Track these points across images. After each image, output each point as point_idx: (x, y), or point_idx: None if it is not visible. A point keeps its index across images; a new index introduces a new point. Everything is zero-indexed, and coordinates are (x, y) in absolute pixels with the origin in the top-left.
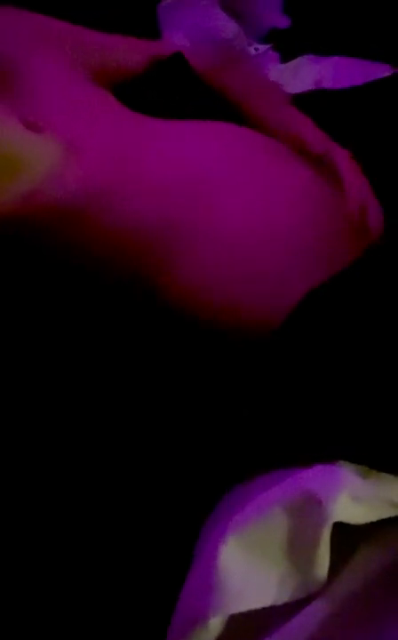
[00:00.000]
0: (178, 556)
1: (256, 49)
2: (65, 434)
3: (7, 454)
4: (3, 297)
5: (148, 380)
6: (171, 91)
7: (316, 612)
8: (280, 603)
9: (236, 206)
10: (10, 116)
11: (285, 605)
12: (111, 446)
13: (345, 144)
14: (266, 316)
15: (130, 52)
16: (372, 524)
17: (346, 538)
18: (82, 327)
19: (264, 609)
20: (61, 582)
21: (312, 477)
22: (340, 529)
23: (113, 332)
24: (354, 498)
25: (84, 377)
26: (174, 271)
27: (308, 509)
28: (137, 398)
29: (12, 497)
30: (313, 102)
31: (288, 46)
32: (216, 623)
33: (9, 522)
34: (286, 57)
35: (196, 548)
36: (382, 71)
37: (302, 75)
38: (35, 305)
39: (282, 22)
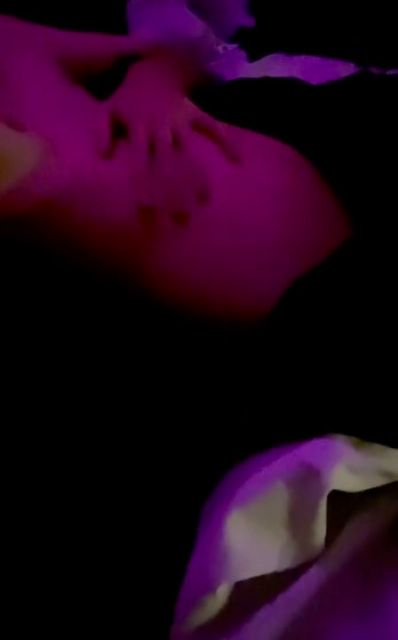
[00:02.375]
0: (179, 535)
1: (224, 48)
2: (62, 424)
3: (4, 444)
4: None
5: (143, 368)
6: None
7: (315, 577)
8: (282, 569)
9: (218, 193)
10: None
11: (286, 572)
12: (110, 432)
13: (312, 138)
14: (250, 305)
15: (98, 48)
16: (363, 492)
17: (339, 506)
18: (73, 323)
19: (266, 575)
20: (63, 563)
21: (309, 450)
22: (333, 498)
23: (105, 326)
24: (349, 468)
25: (79, 370)
26: (155, 262)
27: (307, 480)
28: (133, 385)
29: (12, 478)
30: (283, 93)
31: (255, 45)
32: (223, 590)
33: (9, 504)
34: (253, 56)
35: (200, 524)
36: (347, 69)
37: (271, 73)
38: (27, 302)
39: (248, 21)
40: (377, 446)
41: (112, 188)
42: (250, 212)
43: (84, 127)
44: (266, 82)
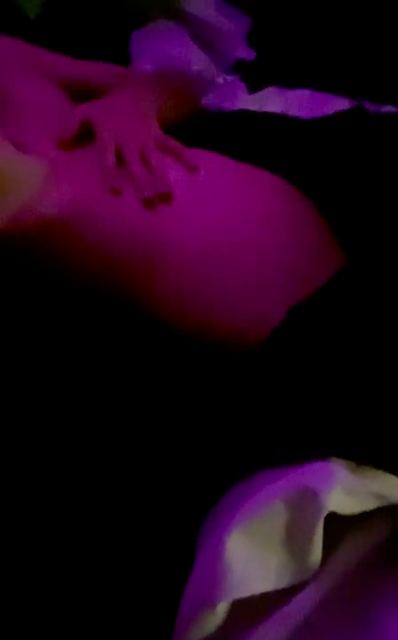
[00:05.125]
0: (178, 551)
1: (224, 79)
2: (65, 435)
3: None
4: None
5: (143, 383)
6: None
7: (311, 594)
8: (279, 587)
9: (210, 221)
10: (1, 141)
11: (283, 589)
12: (110, 447)
13: (305, 170)
14: (247, 330)
15: (99, 76)
16: (358, 514)
17: (335, 527)
18: (74, 337)
19: (264, 594)
20: (63, 576)
21: (308, 473)
22: (329, 519)
23: (105, 341)
24: (345, 491)
25: (80, 383)
26: (154, 284)
27: (305, 502)
28: (133, 400)
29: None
30: (278, 125)
31: (254, 78)
32: (222, 607)
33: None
34: (252, 88)
35: (199, 542)
36: (343, 104)
37: (269, 105)
38: (29, 316)
39: (248, 54)
40: (372, 470)
41: (111, 210)
42: (239, 237)
43: (87, 151)
44: (264, 116)
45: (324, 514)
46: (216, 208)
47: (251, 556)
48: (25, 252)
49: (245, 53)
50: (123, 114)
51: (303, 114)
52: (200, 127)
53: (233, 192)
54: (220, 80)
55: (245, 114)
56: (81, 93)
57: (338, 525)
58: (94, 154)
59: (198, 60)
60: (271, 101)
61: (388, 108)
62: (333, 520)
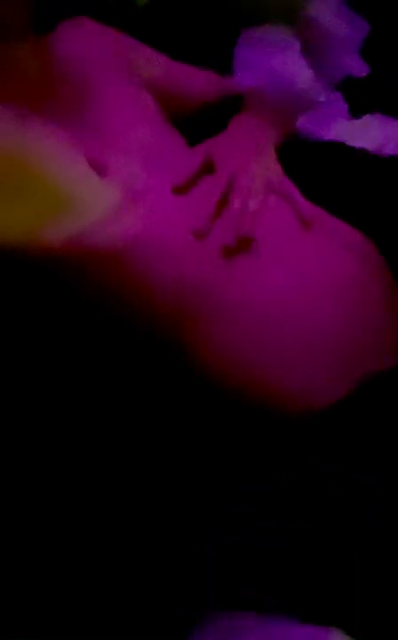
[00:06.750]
0: None
1: (326, 97)
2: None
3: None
4: (29, 327)
5: (154, 433)
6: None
7: None
8: None
9: (276, 282)
10: (75, 151)
11: None
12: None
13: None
14: (296, 398)
15: (201, 83)
16: None
17: None
18: (104, 369)
19: None
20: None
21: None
22: None
23: (134, 380)
24: None
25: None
26: (202, 337)
27: None
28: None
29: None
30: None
31: (360, 98)
32: None
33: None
34: (355, 111)
35: None
36: None
37: (365, 137)
38: (58, 340)
39: (360, 70)
40: None
41: (173, 250)
42: (311, 298)
43: (170, 179)
44: (351, 152)
45: None
46: (292, 270)
47: None
48: (68, 275)
49: (356, 68)
50: (247, 154)
51: None
52: (283, 156)
53: (315, 254)
54: (321, 97)
55: (335, 147)
56: (169, 97)
57: None
58: (199, 192)
59: (303, 77)
60: (369, 132)
61: None
62: None
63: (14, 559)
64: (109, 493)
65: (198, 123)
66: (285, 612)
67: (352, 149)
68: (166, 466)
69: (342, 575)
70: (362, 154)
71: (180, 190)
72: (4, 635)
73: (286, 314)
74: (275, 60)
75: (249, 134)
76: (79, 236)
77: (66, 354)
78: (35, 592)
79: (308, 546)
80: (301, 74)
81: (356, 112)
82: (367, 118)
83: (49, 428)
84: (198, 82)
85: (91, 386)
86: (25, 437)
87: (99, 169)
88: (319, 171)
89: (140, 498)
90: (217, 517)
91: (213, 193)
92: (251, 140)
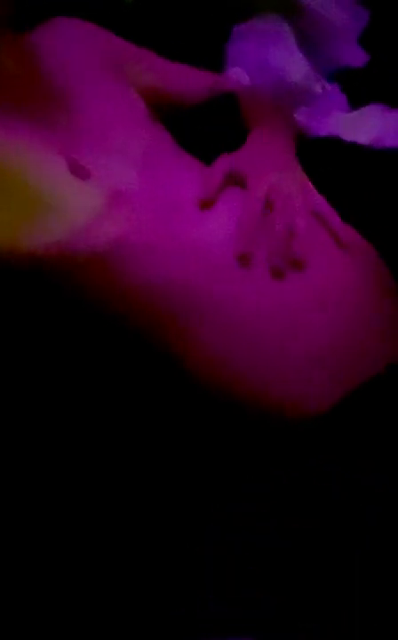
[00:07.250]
0: None
1: (323, 87)
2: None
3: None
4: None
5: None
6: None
7: None
8: None
9: (270, 284)
10: (57, 156)
11: None
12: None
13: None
14: (293, 403)
15: (194, 81)
16: None
17: None
18: (93, 372)
19: None
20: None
21: None
22: None
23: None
24: None
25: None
26: (191, 339)
27: None
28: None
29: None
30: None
31: (359, 89)
32: None
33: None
34: (354, 101)
35: None
36: None
37: (363, 129)
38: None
39: (358, 60)
40: None
41: (163, 253)
42: (308, 299)
43: (158, 181)
44: (350, 149)
45: None
46: (288, 272)
47: None
48: (56, 278)
49: (355, 58)
50: (274, 164)
51: None
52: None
53: (313, 256)
54: (318, 89)
55: (330, 142)
56: (159, 96)
57: None
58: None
59: (298, 69)
60: (367, 124)
61: None
62: None
63: (14, 559)
64: (109, 493)
65: (190, 122)
66: (285, 612)
67: (350, 145)
68: (166, 466)
69: (342, 575)
70: (360, 148)
71: (205, 205)
72: (4, 635)
73: (280, 316)
74: (268, 54)
75: (272, 147)
76: (63, 239)
77: (53, 357)
78: (35, 592)
79: (308, 546)
80: (295, 66)
81: (356, 103)
82: (366, 109)
83: (49, 428)
84: (189, 80)
85: (83, 388)
86: (20, 441)
87: (82, 170)
88: (317, 165)
89: (140, 498)
90: (217, 517)
91: (246, 210)
92: (279, 156)
